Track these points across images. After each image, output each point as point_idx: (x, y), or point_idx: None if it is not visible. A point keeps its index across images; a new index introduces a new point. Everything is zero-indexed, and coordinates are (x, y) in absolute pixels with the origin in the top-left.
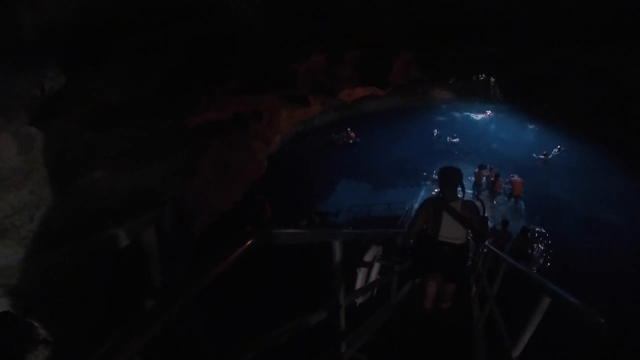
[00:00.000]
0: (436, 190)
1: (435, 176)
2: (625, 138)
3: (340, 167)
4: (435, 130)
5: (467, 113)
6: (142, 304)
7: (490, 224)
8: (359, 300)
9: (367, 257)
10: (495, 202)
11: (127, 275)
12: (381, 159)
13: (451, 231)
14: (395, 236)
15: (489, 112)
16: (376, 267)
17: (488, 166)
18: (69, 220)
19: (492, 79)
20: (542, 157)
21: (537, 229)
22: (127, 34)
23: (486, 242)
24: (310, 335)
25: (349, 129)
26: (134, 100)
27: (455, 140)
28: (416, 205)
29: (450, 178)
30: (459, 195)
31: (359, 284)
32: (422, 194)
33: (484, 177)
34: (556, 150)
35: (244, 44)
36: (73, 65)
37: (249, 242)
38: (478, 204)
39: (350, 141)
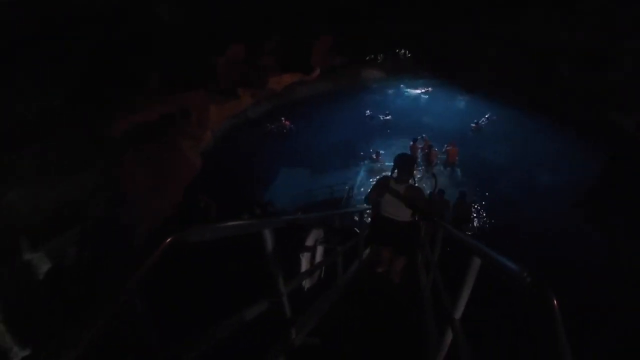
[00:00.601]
0: (384, 170)
1: (374, 156)
2: (549, 98)
3: (279, 156)
4: (368, 111)
5: (398, 90)
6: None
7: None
8: (307, 285)
9: (309, 242)
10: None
11: (67, 289)
12: (318, 143)
13: (393, 209)
14: (333, 218)
15: (420, 89)
16: (320, 250)
17: (420, 137)
18: None
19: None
20: (473, 125)
21: (474, 196)
22: (30, 45)
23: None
24: (257, 326)
25: (283, 118)
26: (47, 112)
27: (388, 117)
28: (357, 184)
29: (401, 163)
30: (410, 181)
31: (304, 268)
32: (362, 174)
33: (419, 149)
34: (485, 118)
35: (159, 42)
36: None
37: (168, 240)
38: (432, 180)
39: (285, 130)
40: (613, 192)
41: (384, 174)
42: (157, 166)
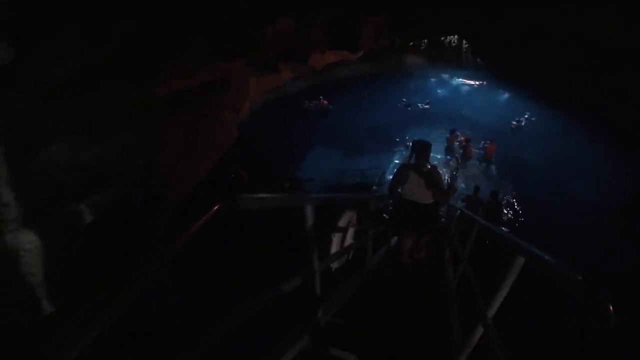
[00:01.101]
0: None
1: (409, 143)
2: (597, 102)
3: (313, 134)
4: (404, 99)
5: (441, 79)
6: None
7: (462, 185)
8: (335, 266)
9: (342, 223)
10: (466, 167)
11: (100, 249)
12: (354, 125)
13: (416, 192)
14: (368, 201)
15: (462, 79)
16: (351, 232)
17: (457, 132)
18: (31, 197)
19: (465, 44)
20: (514, 123)
21: (506, 195)
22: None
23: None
24: (287, 302)
25: (321, 97)
26: (94, 67)
27: (427, 106)
28: (389, 171)
29: (420, 148)
30: (428, 165)
31: (334, 249)
32: (395, 160)
33: (456, 142)
34: (524, 118)
35: (207, 9)
36: (28, 35)
37: (216, 207)
38: (453, 163)
39: (323, 109)
40: None
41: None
42: (195, 133)
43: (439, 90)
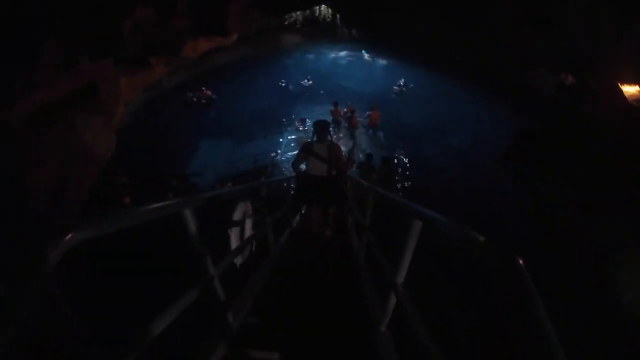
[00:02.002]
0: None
1: (298, 124)
2: (468, 59)
3: (199, 127)
4: (283, 81)
5: (320, 55)
6: None
7: (359, 156)
8: (239, 261)
9: (236, 216)
10: (355, 136)
11: None
12: (239, 112)
13: (319, 166)
14: (257, 188)
15: (340, 53)
16: (249, 223)
17: (337, 103)
18: None
19: (338, 19)
20: (396, 88)
21: (399, 156)
22: None
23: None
24: (191, 316)
25: (204, 88)
26: None
27: (309, 82)
28: (282, 152)
29: (319, 128)
30: (329, 140)
31: (234, 244)
32: (285, 141)
33: (341, 114)
34: (402, 82)
35: (57, 5)
36: None
37: (64, 242)
38: (352, 141)
39: (206, 100)
40: (531, 149)
41: (307, 140)
42: (68, 148)
43: (318, 66)
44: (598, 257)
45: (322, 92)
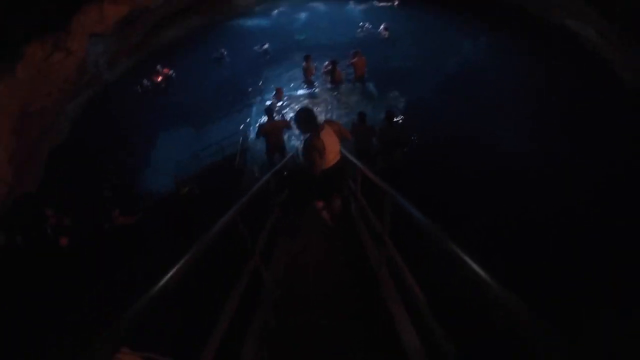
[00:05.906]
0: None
1: (273, 99)
2: None
3: (154, 118)
4: (223, 50)
5: (280, 12)
6: None
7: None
8: None
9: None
10: (340, 93)
11: None
12: (197, 91)
13: (330, 156)
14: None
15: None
16: None
17: (309, 57)
18: None
19: None
20: (382, 30)
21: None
22: None
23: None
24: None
25: (158, 67)
26: None
27: (265, 46)
28: (252, 130)
29: (306, 119)
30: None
31: None
32: (255, 116)
33: (314, 69)
34: (383, 25)
35: None
36: None
37: None
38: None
39: (164, 83)
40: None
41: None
42: None
43: (280, 25)
44: None
45: (287, 51)
